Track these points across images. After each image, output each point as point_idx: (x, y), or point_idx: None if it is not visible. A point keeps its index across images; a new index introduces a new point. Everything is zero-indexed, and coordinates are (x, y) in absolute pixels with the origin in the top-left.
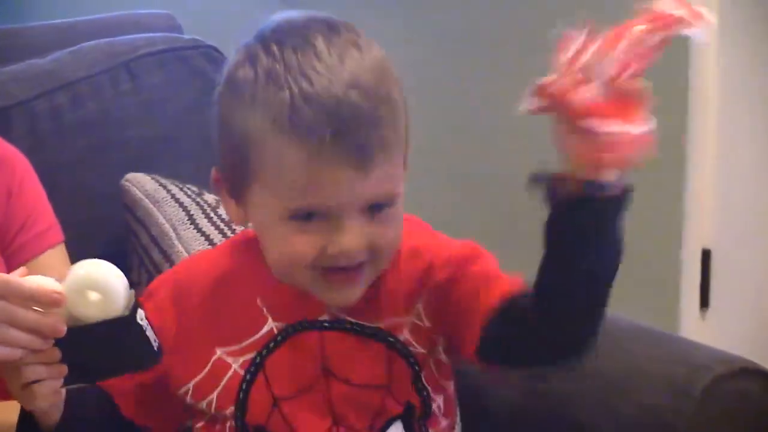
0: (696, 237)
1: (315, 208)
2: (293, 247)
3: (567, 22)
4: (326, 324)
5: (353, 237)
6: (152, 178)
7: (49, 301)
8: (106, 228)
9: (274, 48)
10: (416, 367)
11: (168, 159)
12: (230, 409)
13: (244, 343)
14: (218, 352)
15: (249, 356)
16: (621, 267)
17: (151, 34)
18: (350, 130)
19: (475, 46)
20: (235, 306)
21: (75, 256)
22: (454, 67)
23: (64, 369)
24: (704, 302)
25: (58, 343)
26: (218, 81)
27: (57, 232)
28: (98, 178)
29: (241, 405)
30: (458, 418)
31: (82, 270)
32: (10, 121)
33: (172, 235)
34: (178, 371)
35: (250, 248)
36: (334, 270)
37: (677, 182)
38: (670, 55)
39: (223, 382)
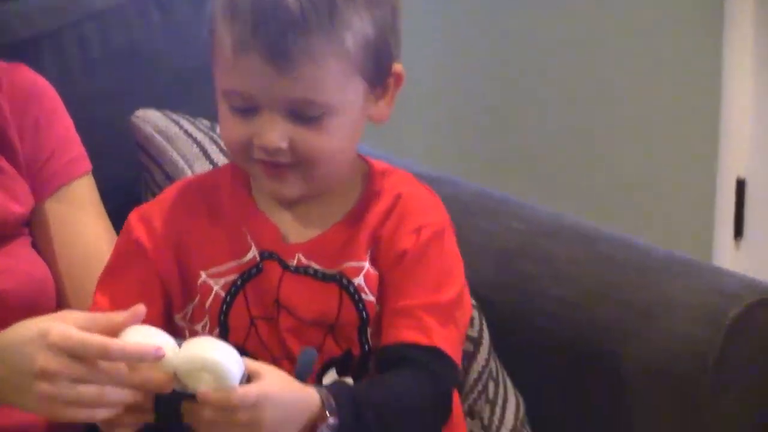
0: (731, 166)
1: (238, 94)
2: (230, 132)
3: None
4: (291, 268)
5: (271, 133)
6: (163, 114)
7: (152, 358)
8: (134, 163)
9: None
10: (364, 315)
11: (197, 94)
12: (216, 332)
13: (226, 266)
14: (202, 275)
15: (230, 278)
16: (655, 196)
17: None
18: (273, 28)
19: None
20: (221, 229)
21: (103, 192)
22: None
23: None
24: (738, 232)
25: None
26: None
27: (85, 162)
28: (127, 112)
29: (224, 326)
30: None
31: (201, 350)
32: (38, 53)
33: (188, 171)
34: (177, 297)
35: (238, 176)
36: (265, 163)
37: (712, 111)
38: None
39: (208, 304)
